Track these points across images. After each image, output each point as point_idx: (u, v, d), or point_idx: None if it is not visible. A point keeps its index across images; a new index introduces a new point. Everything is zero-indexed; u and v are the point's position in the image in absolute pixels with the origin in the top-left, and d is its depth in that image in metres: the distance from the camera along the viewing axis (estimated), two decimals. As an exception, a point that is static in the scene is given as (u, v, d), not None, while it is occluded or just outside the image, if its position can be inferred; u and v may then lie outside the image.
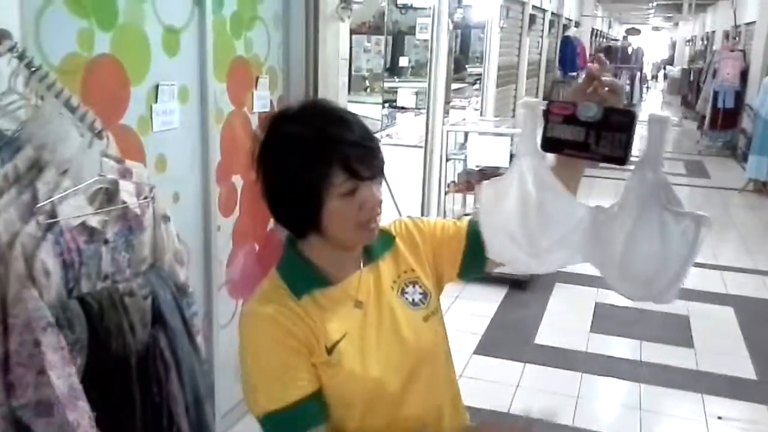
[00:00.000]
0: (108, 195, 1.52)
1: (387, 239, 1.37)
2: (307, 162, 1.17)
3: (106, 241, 1.48)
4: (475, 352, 4.13)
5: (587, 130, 1.13)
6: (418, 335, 1.31)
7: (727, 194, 8.96)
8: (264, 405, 1.21)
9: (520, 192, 1.20)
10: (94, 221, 1.43)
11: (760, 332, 4.60)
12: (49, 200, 1.34)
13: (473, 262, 1.37)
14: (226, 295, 2.81)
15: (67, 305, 1.36)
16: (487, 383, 3.79)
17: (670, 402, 3.71)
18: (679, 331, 4.53)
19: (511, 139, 5.14)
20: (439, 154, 5.50)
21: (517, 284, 5.07)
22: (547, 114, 1.18)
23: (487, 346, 4.22)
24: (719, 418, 3.51)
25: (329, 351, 1.22)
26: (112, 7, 2.00)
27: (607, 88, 1.17)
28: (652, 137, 1.10)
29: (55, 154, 1.39)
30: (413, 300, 1.33)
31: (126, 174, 1.58)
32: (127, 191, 1.52)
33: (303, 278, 1.27)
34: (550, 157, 1.24)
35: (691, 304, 4.94)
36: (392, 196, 5.23)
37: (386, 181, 4.41)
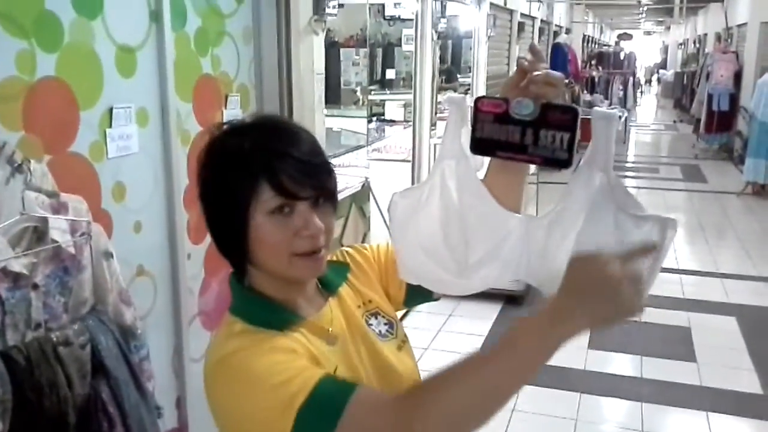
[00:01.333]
0: (38, 234, 1.37)
1: (342, 269, 1.23)
2: (234, 172, 1.03)
3: (35, 286, 1.33)
4: (468, 374, 3.97)
5: (523, 130, 1.00)
6: (403, 365, 1.17)
7: (725, 198, 8.82)
8: (288, 409, 0.94)
9: (442, 200, 1.06)
10: (17, 265, 1.28)
11: (765, 343, 4.43)
12: (-38, 244, 1.20)
13: (418, 287, 1.22)
14: (200, 327, 2.66)
15: (-15, 363, 1.21)
16: (482, 407, 3.62)
17: (673, 421, 3.55)
18: (680, 345, 4.37)
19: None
20: (427, 168, 5.36)
21: (512, 300, 4.91)
22: (476, 112, 1.04)
23: (482, 367, 4.05)
24: (725, 437, 3.35)
25: None
26: (55, 27, 1.86)
27: (541, 82, 1.00)
28: (599, 136, 0.96)
29: (-29, 192, 1.25)
30: (380, 332, 1.19)
31: (61, 209, 1.44)
32: (58, 229, 1.38)
33: (273, 315, 1.08)
34: (485, 161, 1.10)
35: (692, 314, 4.79)
36: (381, 212, 5.10)
37: (374, 198, 4.21)
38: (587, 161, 0.97)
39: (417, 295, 1.26)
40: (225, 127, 1.09)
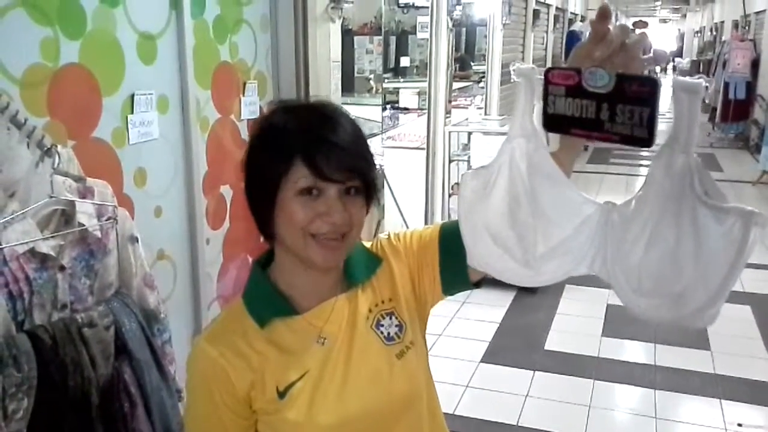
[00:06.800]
0: (65, 217, 1.40)
1: (373, 262, 1.22)
2: (272, 146, 1.07)
3: (62, 268, 1.36)
4: (482, 361, 4.00)
5: (598, 104, 0.88)
6: (391, 378, 1.14)
7: (740, 187, 8.76)
8: None
9: (510, 182, 0.96)
10: (45, 247, 1.31)
11: (780, 332, 4.43)
12: (-8, 227, 1.23)
13: (453, 273, 1.16)
14: (218, 311, 2.69)
15: (14, 341, 1.24)
16: (495, 393, 3.65)
17: (686, 409, 3.56)
18: (694, 333, 4.36)
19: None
20: (442, 156, 5.36)
21: (525, 287, 4.92)
22: (546, 84, 0.93)
23: (495, 354, 4.09)
24: (739, 425, 3.36)
25: (282, 394, 1.09)
26: (78, 15, 1.88)
27: (619, 46, 0.87)
28: (681, 111, 0.84)
29: (1, 175, 1.27)
30: (388, 334, 1.17)
31: (87, 193, 1.46)
32: (85, 213, 1.40)
33: (266, 305, 1.15)
34: (553, 140, 0.99)
35: (707, 303, 4.77)
36: (395, 199, 5.12)
37: (388, 185, 4.25)
38: (668, 142, 0.85)
39: (454, 283, 1.20)
40: (280, 104, 1.13)
